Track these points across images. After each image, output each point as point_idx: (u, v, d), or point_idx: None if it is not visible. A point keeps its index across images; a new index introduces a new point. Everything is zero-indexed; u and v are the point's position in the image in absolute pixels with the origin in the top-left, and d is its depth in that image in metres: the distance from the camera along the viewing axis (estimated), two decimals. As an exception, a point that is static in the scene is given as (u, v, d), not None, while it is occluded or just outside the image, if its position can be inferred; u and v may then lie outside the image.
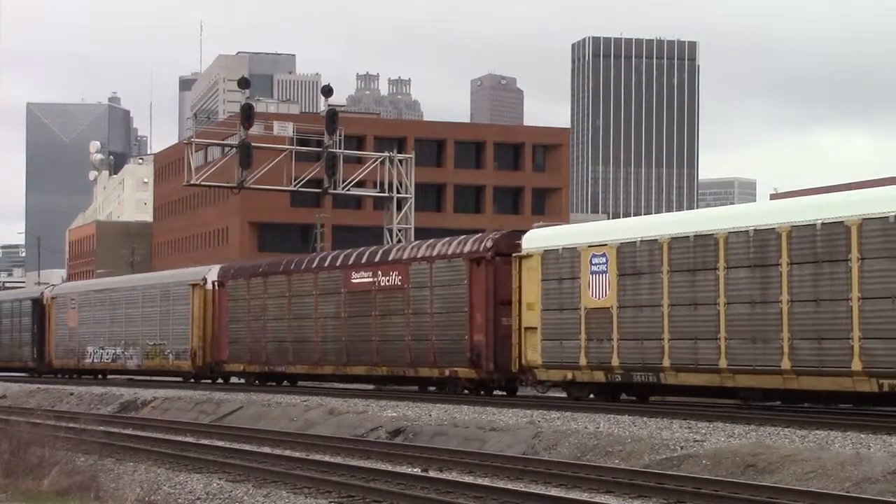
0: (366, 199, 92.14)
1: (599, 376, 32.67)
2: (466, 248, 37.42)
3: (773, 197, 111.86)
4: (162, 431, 31.61)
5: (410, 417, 29.10)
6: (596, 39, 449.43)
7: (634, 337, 31.35)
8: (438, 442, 25.91)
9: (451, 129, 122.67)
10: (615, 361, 31.85)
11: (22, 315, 65.25)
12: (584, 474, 20.15)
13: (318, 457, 24.40)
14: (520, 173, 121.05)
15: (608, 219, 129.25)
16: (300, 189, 62.06)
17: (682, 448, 21.64)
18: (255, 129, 59.62)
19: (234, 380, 49.99)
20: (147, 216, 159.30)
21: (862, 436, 22.66)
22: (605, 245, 32.34)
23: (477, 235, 38.45)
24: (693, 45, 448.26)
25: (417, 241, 41.61)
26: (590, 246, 32.78)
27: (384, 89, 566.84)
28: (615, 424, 25.68)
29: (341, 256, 43.21)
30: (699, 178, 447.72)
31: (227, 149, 68.44)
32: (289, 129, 65.29)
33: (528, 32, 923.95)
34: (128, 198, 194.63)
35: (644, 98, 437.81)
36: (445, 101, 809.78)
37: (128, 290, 56.61)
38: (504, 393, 37.67)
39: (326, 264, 43.47)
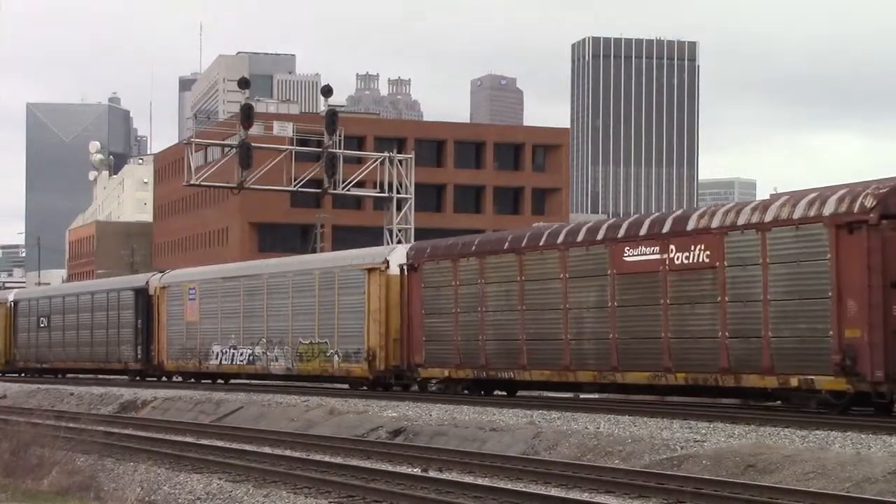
0: (366, 199, 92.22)
1: None
2: (828, 209, 27.10)
3: (773, 197, 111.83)
4: (162, 431, 31.61)
5: (410, 417, 29.11)
6: (596, 39, 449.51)
7: None
8: (438, 442, 25.92)
9: (451, 129, 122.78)
10: None
11: (121, 308, 55.22)
12: (584, 474, 20.15)
13: (318, 457, 24.41)
14: (520, 173, 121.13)
15: (608, 219, 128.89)
16: (300, 189, 62.07)
17: (682, 448, 21.65)
18: (255, 130, 59.62)
19: (415, 388, 40.87)
20: (147, 216, 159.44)
21: (862, 436, 22.66)
22: None
23: (842, 190, 27.65)
24: (693, 46, 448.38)
25: (735, 203, 31.04)
26: None
27: (384, 89, 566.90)
28: (615, 424, 25.68)
29: (605, 227, 32.91)
30: (699, 178, 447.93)
31: (227, 149, 68.42)
32: (289, 130, 65.30)
33: (528, 32, 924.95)
34: (128, 198, 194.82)
35: (644, 98, 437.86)
36: (445, 101, 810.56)
37: (273, 277, 45.85)
38: (872, 409, 27.45)
39: (581, 238, 32.99)
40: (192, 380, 50.12)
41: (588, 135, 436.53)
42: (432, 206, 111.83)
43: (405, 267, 38.96)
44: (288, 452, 25.23)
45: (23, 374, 63.79)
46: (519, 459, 22.32)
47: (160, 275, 54.32)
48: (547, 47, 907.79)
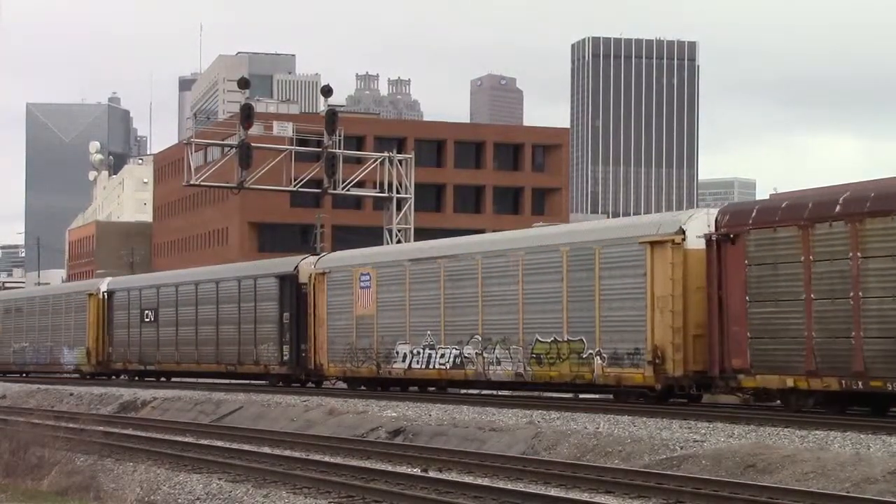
0: (365, 199, 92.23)
1: None
2: None
3: (773, 197, 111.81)
4: (162, 431, 31.61)
5: (410, 417, 29.10)
6: (596, 39, 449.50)
7: None
8: (438, 442, 25.92)
9: (451, 129, 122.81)
10: None
11: (259, 299, 45.93)
12: (584, 474, 20.16)
13: (318, 457, 24.41)
14: (520, 173, 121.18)
15: (608, 219, 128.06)
16: (300, 189, 62.04)
17: (682, 448, 21.65)
18: (255, 130, 59.61)
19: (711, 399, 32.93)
20: (147, 216, 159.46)
21: (862, 436, 22.66)
22: None
23: None
24: (693, 46, 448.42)
25: None
26: None
27: (384, 89, 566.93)
28: (615, 424, 25.67)
29: None
30: (699, 178, 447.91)
31: (226, 149, 68.44)
32: (288, 130, 65.28)
33: (528, 32, 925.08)
34: (127, 198, 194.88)
35: (644, 98, 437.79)
36: (445, 101, 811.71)
37: (491, 257, 36.19)
38: None
39: None
40: (363, 387, 41.12)
41: (588, 135, 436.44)
42: (432, 206, 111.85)
43: (714, 238, 29.33)
44: (288, 452, 25.23)
45: (119, 377, 56.14)
46: (519, 459, 22.32)
47: (314, 258, 44.66)
48: (547, 47, 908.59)
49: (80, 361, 58.00)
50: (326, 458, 24.02)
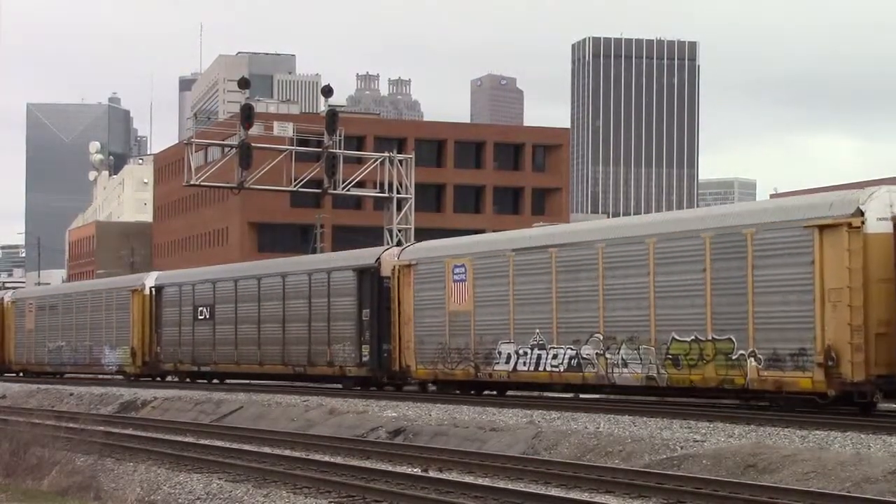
0: (366, 199, 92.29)
1: None
2: None
3: (774, 197, 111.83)
4: (162, 431, 31.62)
5: (410, 417, 29.11)
6: (596, 39, 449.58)
7: None
8: (438, 442, 25.92)
9: (451, 130, 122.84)
10: None
11: (333, 294, 41.94)
12: (584, 474, 20.16)
13: (318, 457, 24.42)
14: (520, 173, 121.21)
15: (608, 219, 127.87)
16: (300, 189, 62.02)
17: (682, 448, 21.65)
18: (255, 130, 59.58)
19: None
20: (147, 216, 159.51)
21: (862, 436, 22.66)
22: None
23: None
24: (693, 46, 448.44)
25: None
26: None
27: (384, 89, 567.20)
28: (615, 424, 25.68)
29: None
30: (699, 178, 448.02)
31: (227, 149, 68.43)
32: (289, 130, 65.28)
33: (528, 32, 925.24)
34: (128, 198, 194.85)
35: (644, 98, 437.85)
36: (445, 102, 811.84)
37: (613, 245, 31.96)
38: None
39: None
40: (457, 392, 37.28)
41: (588, 135, 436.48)
42: (432, 207, 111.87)
43: None
44: (288, 452, 25.24)
45: (165, 378, 52.63)
46: (519, 459, 22.32)
47: (398, 249, 40.74)
48: (547, 47, 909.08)
49: (125, 362, 54.43)
50: (326, 458, 24.02)
